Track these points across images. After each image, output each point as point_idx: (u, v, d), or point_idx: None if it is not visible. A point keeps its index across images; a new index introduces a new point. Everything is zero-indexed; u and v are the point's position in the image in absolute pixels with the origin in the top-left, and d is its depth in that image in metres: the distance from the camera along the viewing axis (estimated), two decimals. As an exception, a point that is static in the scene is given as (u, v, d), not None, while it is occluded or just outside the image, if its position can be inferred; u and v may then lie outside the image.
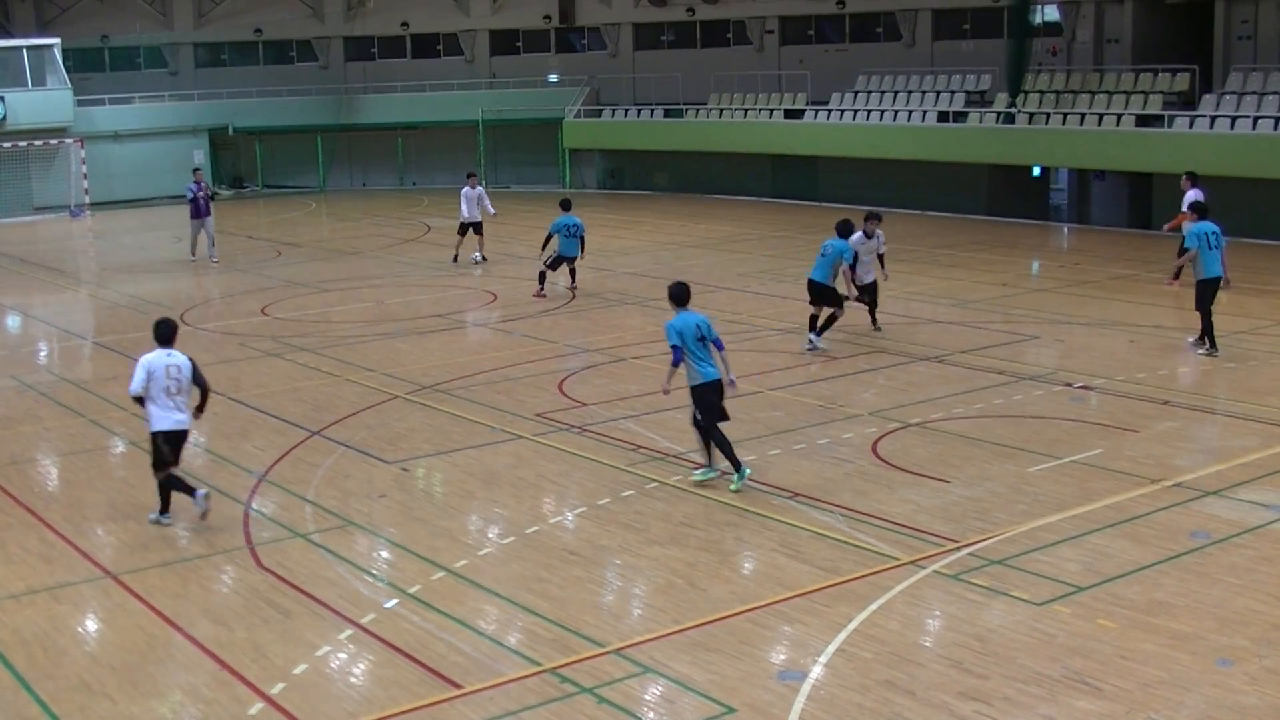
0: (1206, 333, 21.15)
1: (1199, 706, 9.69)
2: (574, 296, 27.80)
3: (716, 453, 15.16)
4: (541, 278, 28.03)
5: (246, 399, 19.83)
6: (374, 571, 12.96)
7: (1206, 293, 21.00)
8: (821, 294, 21.83)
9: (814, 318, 21.99)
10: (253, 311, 27.45)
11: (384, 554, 13.49)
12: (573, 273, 28.41)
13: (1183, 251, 21.40)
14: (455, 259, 32.93)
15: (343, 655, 11.02)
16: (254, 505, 14.94)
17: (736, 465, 14.91)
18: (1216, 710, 9.62)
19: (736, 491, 14.78)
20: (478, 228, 32.57)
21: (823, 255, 21.76)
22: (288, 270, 33.42)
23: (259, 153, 56.25)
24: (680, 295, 15.19)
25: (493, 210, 33.20)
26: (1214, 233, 20.97)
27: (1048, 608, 11.46)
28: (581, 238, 27.89)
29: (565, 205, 28.40)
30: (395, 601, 12.05)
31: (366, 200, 52.18)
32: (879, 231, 23.16)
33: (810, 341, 21.88)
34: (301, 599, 12.16)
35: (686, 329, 14.92)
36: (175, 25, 57.35)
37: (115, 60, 57.45)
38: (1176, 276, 22.24)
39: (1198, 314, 21.11)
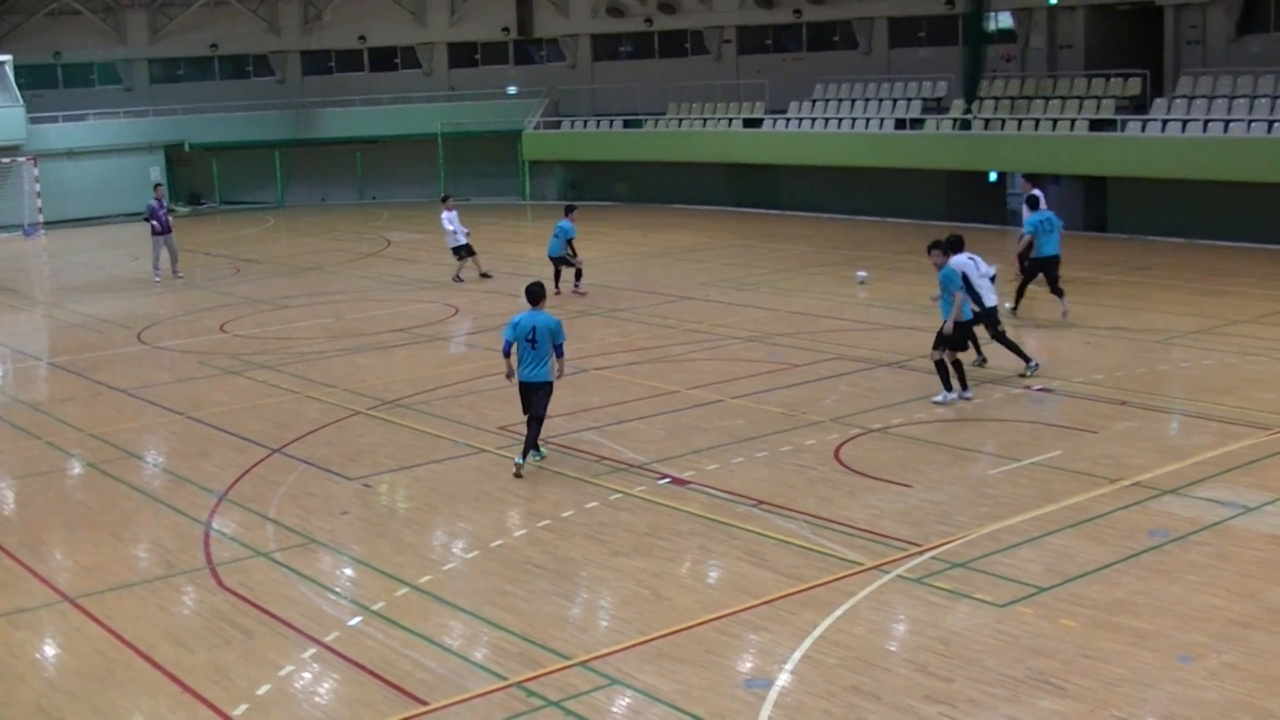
0: (1019, 296, 24.51)
1: (1161, 703, 9.76)
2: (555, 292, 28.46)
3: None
4: (574, 273, 29.64)
5: (205, 417, 19.73)
6: (337, 589, 12.92)
7: (1040, 268, 24.14)
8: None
9: (942, 365, 18.71)
10: (211, 329, 27.32)
11: (347, 571, 13.44)
12: (557, 274, 29.40)
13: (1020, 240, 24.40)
14: (483, 275, 32.49)
15: (306, 675, 10.97)
16: (214, 525, 14.85)
17: (532, 447, 16.28)
18: (1178, 706, 9.68)
19: (517, 465, 16.08)
20: (469, 249, 32.21)
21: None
22: (246, 287, 33.29)
23: (216, 169, 56.03)
24: (530, 294, 16.21)
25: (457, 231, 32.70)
26: (1048, 219, 24.14)
27: (1010, 609, 11.51)
28: (568, 239, 29.08)
29: (566, 210, 30.25)
30: (359, 619, 12.01)
31: (326, 215, 52.01)
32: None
33: (959, 396, 18.77)
34: (264, 618, 12.10)
35: (521, 328, 15.90)
36: (129, 41, 56.95)
37: (68, 77, 57.04)
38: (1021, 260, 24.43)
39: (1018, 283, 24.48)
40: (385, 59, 57.28)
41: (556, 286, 28.92)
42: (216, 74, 58.26)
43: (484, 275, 32.22)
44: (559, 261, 29.44)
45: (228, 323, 27.89)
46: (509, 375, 16.42)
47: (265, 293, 32.11)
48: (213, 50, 57.39)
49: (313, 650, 11.36)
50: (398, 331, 25.96)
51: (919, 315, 25.17)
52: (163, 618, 12.31)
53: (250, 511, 15.26)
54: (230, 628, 11.91)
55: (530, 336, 15.79)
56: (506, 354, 16.23)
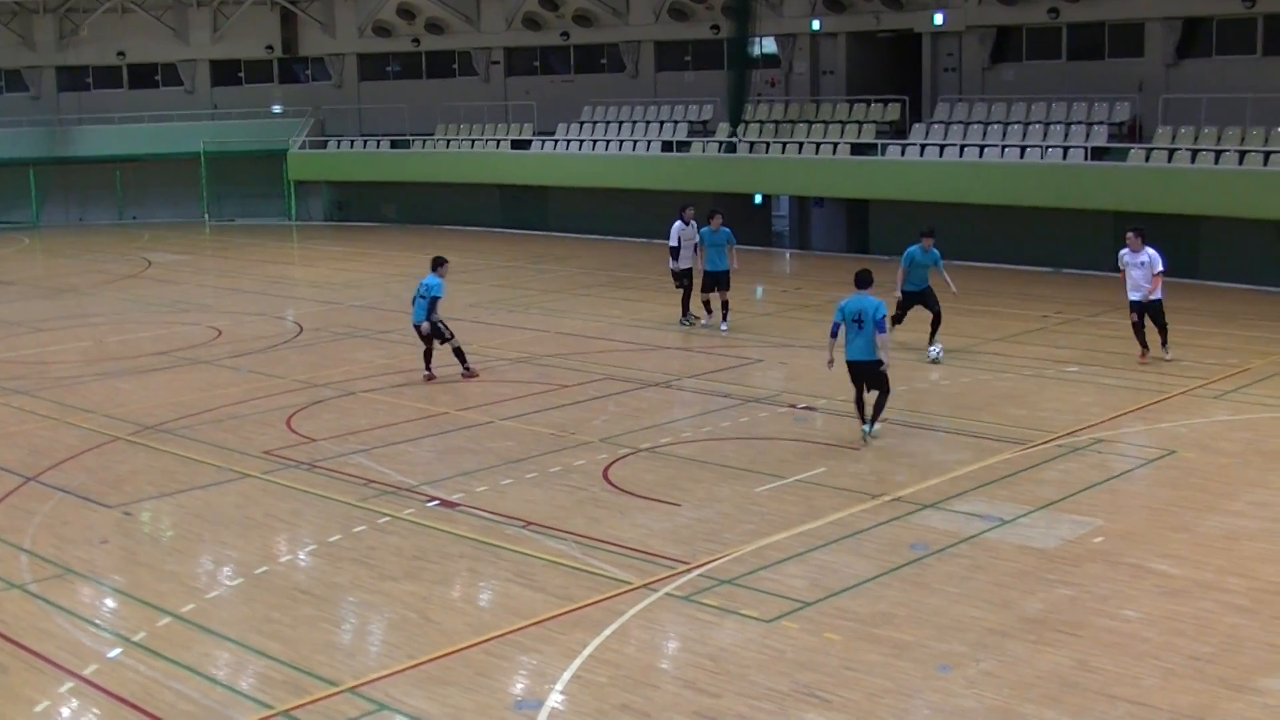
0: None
1: (922, 712, 10.03)
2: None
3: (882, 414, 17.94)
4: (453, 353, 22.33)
5: (-43, 445, 19.05)
6: (97, 620, 12.56)
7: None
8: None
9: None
10: (-38, 354, 26.38)
11: (107, 602, 13.08)
12: (428, 354, 22.38)
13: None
14: None
15: (64, 710, 10.63)
16: (-34, 556, 14.34)
17: (868, 419, 17.68)
18: (938, 715, 9.97)
19: (866, 436, 17.61)
20: None
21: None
22: (0, 309, 32.20)
23: (-34, 188, 54.05)
24: (859, 279, 17.81)
25: None
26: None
27: (777, 624, 11.72)
28: (433, 300, 21.78)
29: (434, 263, 22.35)
30: (119, 651, 11.69)
31: (84, 236, 50.52)
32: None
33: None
34: (19, 653, 11.69)
35: (848, 311, 17.50)
36: (-126, 53, 54.76)
37: None
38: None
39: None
40: (146, 76, 55.86)
41: (428, 367, 22.30)
42: (-33, 89, 56.30)
43: None
44: (430, 335, 22.08)
45: (-21, 347, 26.96)
46: (829, 362, 17.96)
47: (20, 315, 31.07)
48: (-38, 65, 55.45)
49: (71, 684, 11.02)
50: (159, 355, 25.35)
51: (686, 336, 25.52)
52: (-91, 655, 11.83)
53: (3, 542, 14.72)
54: (-18, 663, 11.51)
55: (857, 318, 17.36)
56: (833, 335, 17.74)
